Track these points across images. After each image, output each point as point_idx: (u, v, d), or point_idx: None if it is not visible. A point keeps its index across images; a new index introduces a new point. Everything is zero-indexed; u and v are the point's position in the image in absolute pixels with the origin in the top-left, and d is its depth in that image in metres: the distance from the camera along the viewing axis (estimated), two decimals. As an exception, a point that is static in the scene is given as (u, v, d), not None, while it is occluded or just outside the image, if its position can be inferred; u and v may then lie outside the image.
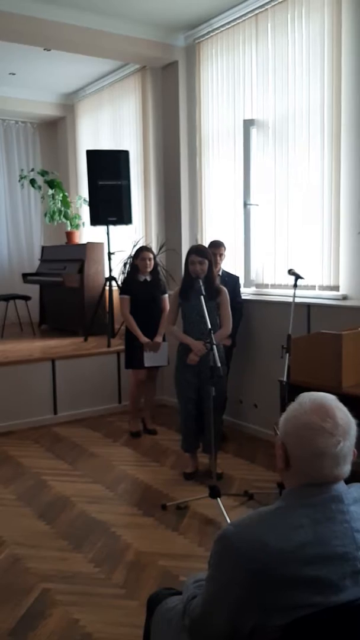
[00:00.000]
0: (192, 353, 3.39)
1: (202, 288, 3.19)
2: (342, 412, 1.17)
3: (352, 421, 1.17)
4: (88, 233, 6.68)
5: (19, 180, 6.72)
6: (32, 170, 6.78)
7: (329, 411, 1.15)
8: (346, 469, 1.16)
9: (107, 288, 5.38)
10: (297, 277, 3.25)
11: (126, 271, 5.12)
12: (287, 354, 3.09)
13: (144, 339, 4.17)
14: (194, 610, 1.23)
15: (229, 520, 2.70)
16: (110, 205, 5.15)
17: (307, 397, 1.20)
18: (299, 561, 1.07)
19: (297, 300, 3.33)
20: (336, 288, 3.86)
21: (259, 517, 1.17)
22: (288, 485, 1.21)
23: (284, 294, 4.10)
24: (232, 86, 4.61)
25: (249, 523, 1.16)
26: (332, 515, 1.13)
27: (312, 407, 1.16)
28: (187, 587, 1.38)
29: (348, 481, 1.20)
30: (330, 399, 1.19)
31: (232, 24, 4.52)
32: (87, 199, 5.38)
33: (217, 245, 4.01)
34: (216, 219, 4.92)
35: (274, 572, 1.07)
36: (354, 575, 1.10)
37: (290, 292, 3.30)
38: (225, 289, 3.51)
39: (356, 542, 1.12)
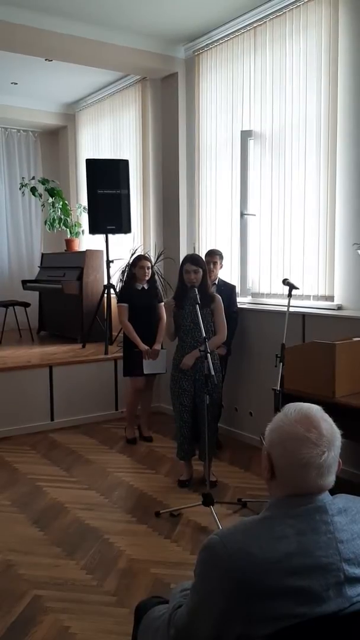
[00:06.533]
0: (185, 358, 3.40)
1: (197, 296, 3.22)
2: (327, 423, 1.17)
3: (337, 432, 1.17)
4: (87, 241, 6.72)
5: (20, 188, 6.78)
6: (33, 178, 6.84)
7: (314, 422, 1.15)
8: (330, 479, 1.16)
9: (105, 295, 5.41)
10: (292, 287, 3.27)
11: (124, 279, 5.15)
12: (281, 363, 3.11)
13: (143, 347, 4.18)
14: (179, 619, 1.22)
15: (220, 529, 2.70)
16: (110, 214, 5.19)
17: (293, 408, 1.20)
18: (283, 571, 1.07)
19: (292, 309, 3.34)
20: (331, 298, 3.88)
21: (244, 526, 1.17)
22: (273, 496, 1.21)
23: (279, 304, 4.13)
24: (230, 97, 4.66)
25: (234, 532, 1.16)
26: (316, 525, 1.13)
27: (297, 417, 1.16)
28: (173, 595, 1.37)
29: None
30: (315, 409, 1.20)
31: (231, 36, 4.58)
32: (87, 207, 5.42)
33: (211, 254, 4.08)
34: (213, 229, 4.96)
35: (258, 582, 1.07)
36: (337, 586, 1.10)
37: (286, 301, 3.32)
38: (219, 297, 3.54)
39: (340, 552, 1.11)
